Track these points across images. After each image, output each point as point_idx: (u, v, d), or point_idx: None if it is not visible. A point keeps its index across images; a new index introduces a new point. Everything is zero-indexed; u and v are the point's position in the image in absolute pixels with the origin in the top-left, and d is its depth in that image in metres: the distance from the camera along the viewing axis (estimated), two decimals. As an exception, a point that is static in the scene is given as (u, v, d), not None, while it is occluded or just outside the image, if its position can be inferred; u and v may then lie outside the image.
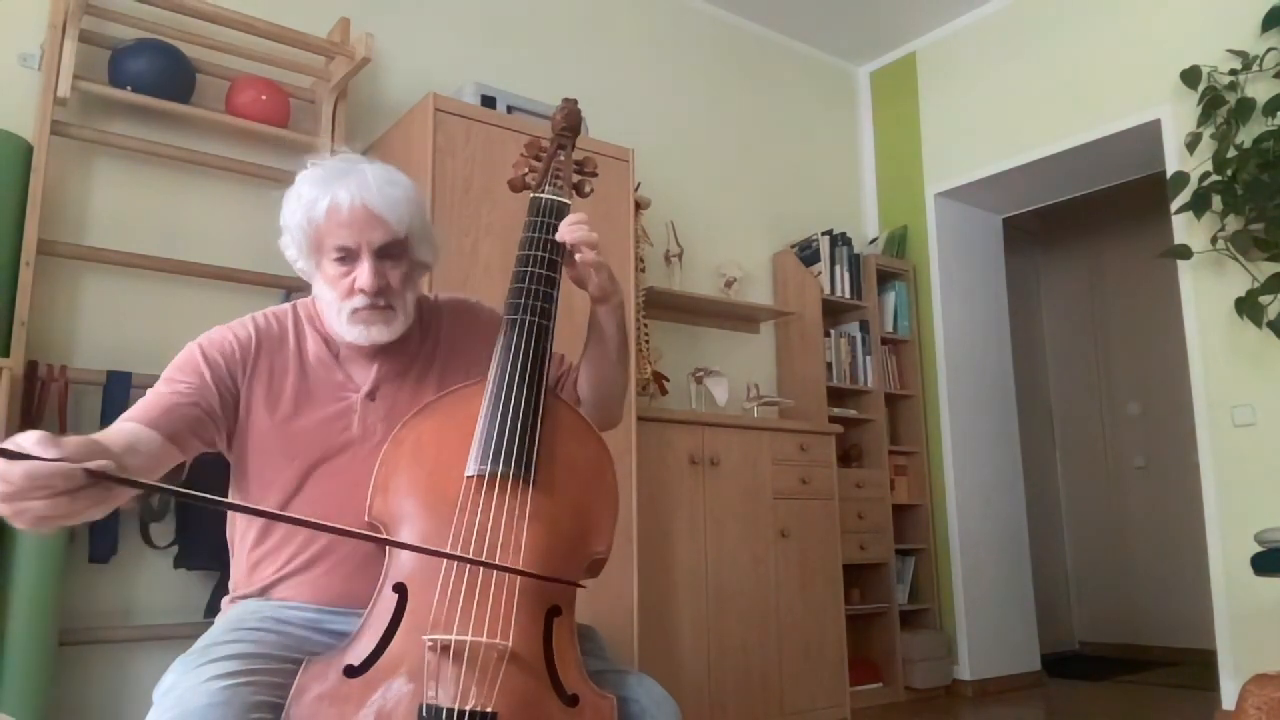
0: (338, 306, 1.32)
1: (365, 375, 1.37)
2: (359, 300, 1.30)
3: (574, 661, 1.15)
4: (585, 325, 1.47)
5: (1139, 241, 5.60)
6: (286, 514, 1.23)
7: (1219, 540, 3.47)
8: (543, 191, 1.45)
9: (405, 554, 1.17)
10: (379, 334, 1.32)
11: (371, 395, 1.36)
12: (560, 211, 1.42)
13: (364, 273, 1.29)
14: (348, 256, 1.30)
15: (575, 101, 1.52)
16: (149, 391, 1.28)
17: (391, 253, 1.32)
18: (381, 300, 1.31)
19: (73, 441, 0.93)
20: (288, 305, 1.44)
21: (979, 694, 4.22)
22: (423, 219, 1.36)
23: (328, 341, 1.39)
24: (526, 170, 1.48)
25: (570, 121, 1.51)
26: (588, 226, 1.36)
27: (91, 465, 0.89)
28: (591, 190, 1.51)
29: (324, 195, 1.28)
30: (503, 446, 1.21)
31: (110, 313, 2.70)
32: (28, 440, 0.88)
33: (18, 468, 0.85)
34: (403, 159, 2.81)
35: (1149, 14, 3.89)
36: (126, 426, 1.19)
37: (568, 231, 1.35)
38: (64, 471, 0.86)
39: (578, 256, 1.34)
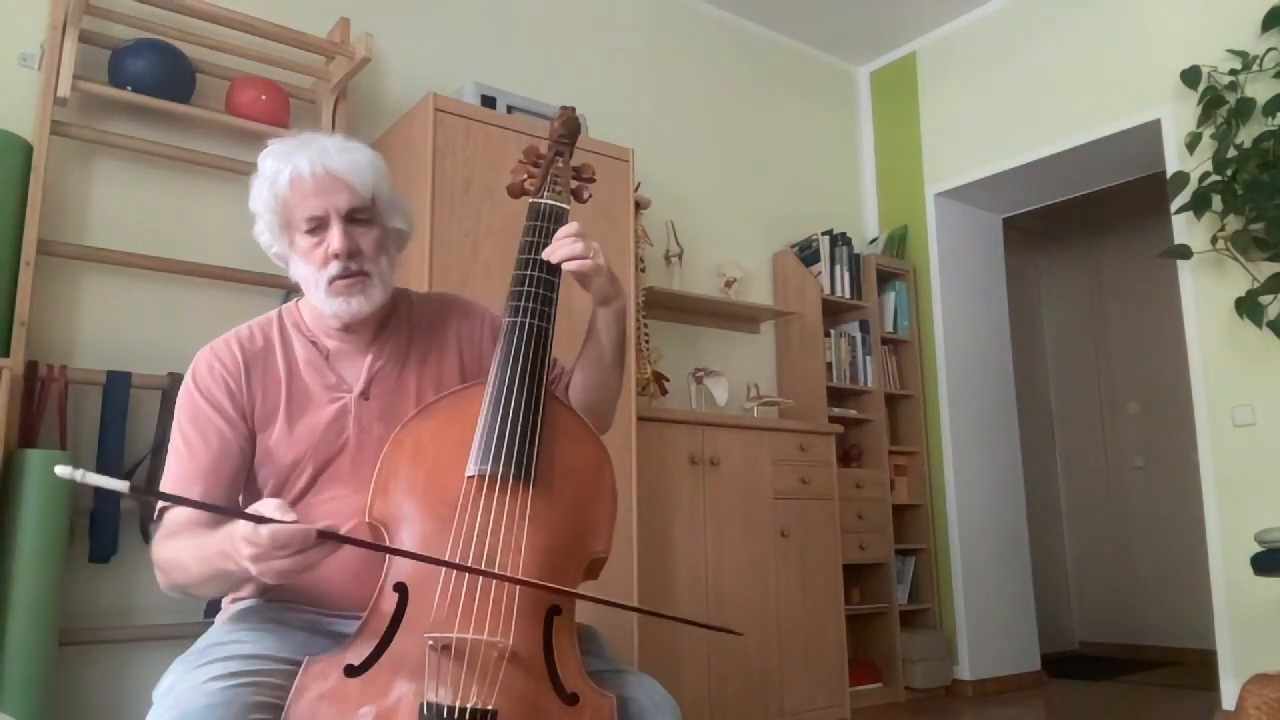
0: (315, 279, 1.32)
1: (356, 375, 1.37)
2: (334, 268, 1.29)
3: (574, 660, 1.15)
4: (585, 327, 1.47)
5: (1139, 241, 5.60)
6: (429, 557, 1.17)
7: (1219, 540, 3.47)
8: (542, 197, 1.46)
9: (405, 554, 1.17)
10: (359, 305, 1.32)
11: (365, 395, 1.36)
12: (559, 216, 1.43)
13: (334, 236, 1.29)
14: (318, 226, 1.30)
15: (573, 109, 1.54)
16: (175, 455, 1.30)
17: (360, 217, 1.32)
18: (354, 264, 1.30)
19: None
20: (272, 313, 1.43)
21: (979, 694, 4.22)
22: (389, 186, 1.37)
23: (315, 343, 1.39)
24: (525, 176, 1.49)
25: (568, 129, 1.52)
26: (574, 237, 1.35)
27: (320, 526, 1.04)
28: (590, 196, 1.53)
29: (285, 166, 1.29)
30: (503, 447, 1.21)
31: (110, 313, 2.71)
32: (267, 508, 1.03)
33: (264, 532, 1.00)
34: (403, 159, 2.82)
35: (1149, 14, 3.89)
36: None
37: (551, 253, 1.36)
38: (301, 533, 1.01)
39: (568, 268, 1.35)
